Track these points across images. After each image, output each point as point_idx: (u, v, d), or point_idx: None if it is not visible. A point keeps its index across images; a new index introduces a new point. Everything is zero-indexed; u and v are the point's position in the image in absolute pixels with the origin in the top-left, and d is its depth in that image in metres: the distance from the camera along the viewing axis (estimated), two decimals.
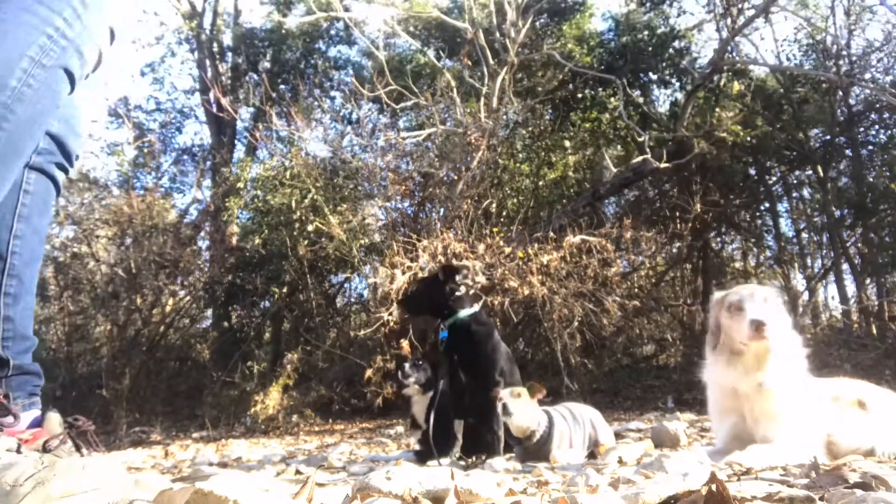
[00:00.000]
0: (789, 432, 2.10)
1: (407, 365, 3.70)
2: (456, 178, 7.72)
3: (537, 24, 9.83)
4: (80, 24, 1.25)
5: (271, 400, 7.39)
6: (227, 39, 13.04)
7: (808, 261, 10.94)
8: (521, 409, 2.74)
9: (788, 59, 9.80)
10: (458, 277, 3.45)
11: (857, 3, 9.23)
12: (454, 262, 5.90)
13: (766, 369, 2.16)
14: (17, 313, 1.40)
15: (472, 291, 3.50)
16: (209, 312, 10.30)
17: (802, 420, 2.16)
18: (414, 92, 8.18)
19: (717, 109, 8.89)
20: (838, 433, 2.19)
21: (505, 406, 2.71)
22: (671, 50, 9.34)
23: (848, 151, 9.71)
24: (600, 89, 9.59)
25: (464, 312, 3.23)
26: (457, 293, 3.28)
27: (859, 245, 9.70)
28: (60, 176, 1.51)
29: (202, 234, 11.48)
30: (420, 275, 6.02)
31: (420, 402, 3.60)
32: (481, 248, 6.64)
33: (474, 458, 2.91)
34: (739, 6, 8.96)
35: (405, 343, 6.19)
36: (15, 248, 1.39)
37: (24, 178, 1.41)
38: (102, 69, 1.57)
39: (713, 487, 1.02)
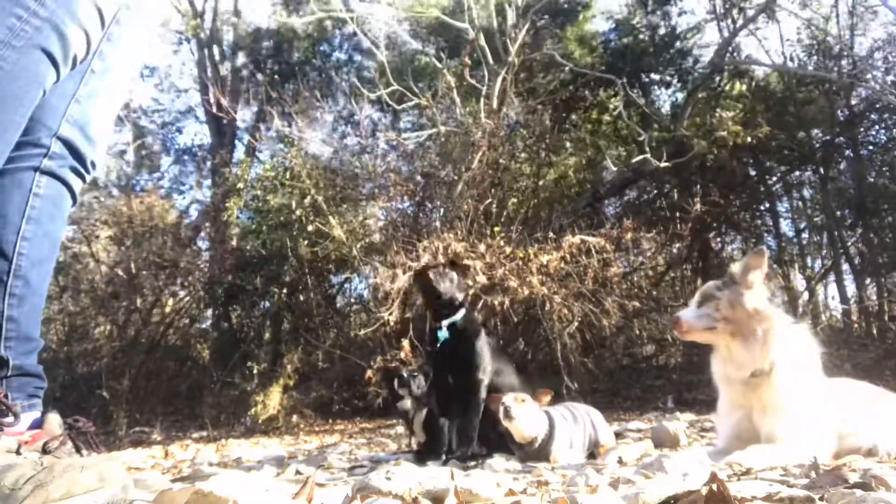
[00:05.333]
0: (796, 430, 2.09)
1: (405, 373, 3.65)
2: (456, 178, 7.72)
3: (538, 24, 9.83)
4: (55, 2, 1.22)
5: (271, 400, 7.38)
6: (228, 39, 13.05)
7: (808, 261, 10.95)
8: (524, 415, 2.70)
9: (791, 59, 9.80)
10: (460, 279, 3.48)
11: (859, 3, 9.24)
12: (457, 261, 5.91)
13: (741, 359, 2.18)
14: (23, 314, 1.39)
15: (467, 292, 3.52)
16: (209, 313, 10.30)
17: (811, 416, 2.14)
18: (415, 92, 8.18)
19: (718, 110, 8.89)
20: (841, 432, 2.18)
21: (507, 409, 2.65)
22: (672, 50, 9.34)
23: (848, 152, 9.70)
24: (601, 90, 9.60)
25: (460, 314, 3.25)
26: (460, 296, 3.30)
27: (859, 245, 9.69)
28: (76, 182, 1.50)
29: (202, 234, 11.50)
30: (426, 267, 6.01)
31: (418, 417, 3.46)
32: (482, 248, 6.64)
33: (466, 454, 2.93)
34: (740, 6, 8.97)
35: (405, 343, 6.19)
36: (22, 250, 1.38)
37: (35, 182, 1.40)
38: (123, 78, 1.57)
39: (713, 487, 1.02)
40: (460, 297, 3.31)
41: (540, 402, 2.80)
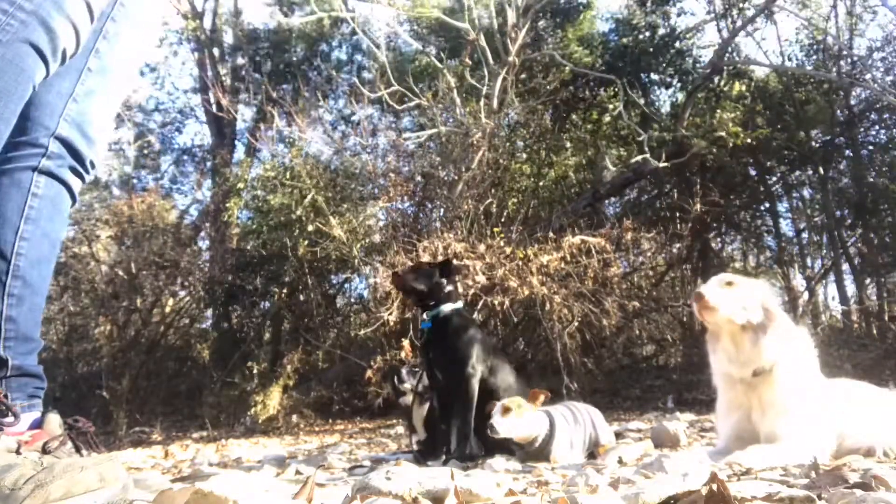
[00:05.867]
0: (796, 430, 2.08)
1: (404, 370, 3.67)
2: (456, 178, 7.72)
3: (539, 24, 9.84)
4: None
5: (271, 400, 7.39)
6: (228, 39, 13.05)
7: (808, 261, 10.94)
8: (513, 425, 2.66)
9: (790, 59, 9.81)
10: (455, 277, 3.48)
11: (858, 3, 9.24)
12: (455, 261, 5.90)
13: (755, 355, 2.16)
14: (22, 314, 1.39)
15: (461, 289, 3.52)
16: (209, 313, 10.30)
17: (811, 416, 2.13)
18: (415, 93, 8.19)
19: (718, 110, 8.89)
20: (841, 432, 2.18)
21: (491, 426, 2.62)
22: (672, 51, 9.34)
23: (848, 152, 9.70)
24: (601, 90, 9.60)
25: (447, 306, 3.23)
26: (447, 289, 3.29)
27: (859, 245, 9.69)
28: (75, 182, 1.49)
29: (202, 234, 11.51)
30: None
31: (418, 412, 3.50)
32: (481, 248, 6.64)
33: (463, 452, 2.92)
34: (739, 6, 8.97)
35: (405, 343, 6.19)
36: (21, 250, 1.38)
37: (34, 182, 1.40)
38: (121, 77, 1.56)
39: (713, 487, 1.02)
40: (447, 289, 3.29)
41: (535, 404, 2.78)
